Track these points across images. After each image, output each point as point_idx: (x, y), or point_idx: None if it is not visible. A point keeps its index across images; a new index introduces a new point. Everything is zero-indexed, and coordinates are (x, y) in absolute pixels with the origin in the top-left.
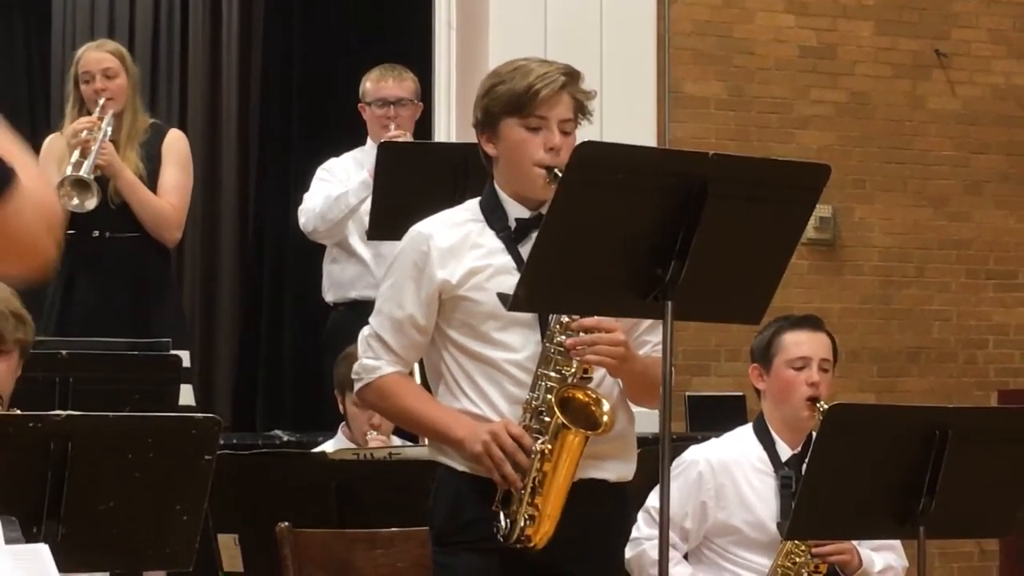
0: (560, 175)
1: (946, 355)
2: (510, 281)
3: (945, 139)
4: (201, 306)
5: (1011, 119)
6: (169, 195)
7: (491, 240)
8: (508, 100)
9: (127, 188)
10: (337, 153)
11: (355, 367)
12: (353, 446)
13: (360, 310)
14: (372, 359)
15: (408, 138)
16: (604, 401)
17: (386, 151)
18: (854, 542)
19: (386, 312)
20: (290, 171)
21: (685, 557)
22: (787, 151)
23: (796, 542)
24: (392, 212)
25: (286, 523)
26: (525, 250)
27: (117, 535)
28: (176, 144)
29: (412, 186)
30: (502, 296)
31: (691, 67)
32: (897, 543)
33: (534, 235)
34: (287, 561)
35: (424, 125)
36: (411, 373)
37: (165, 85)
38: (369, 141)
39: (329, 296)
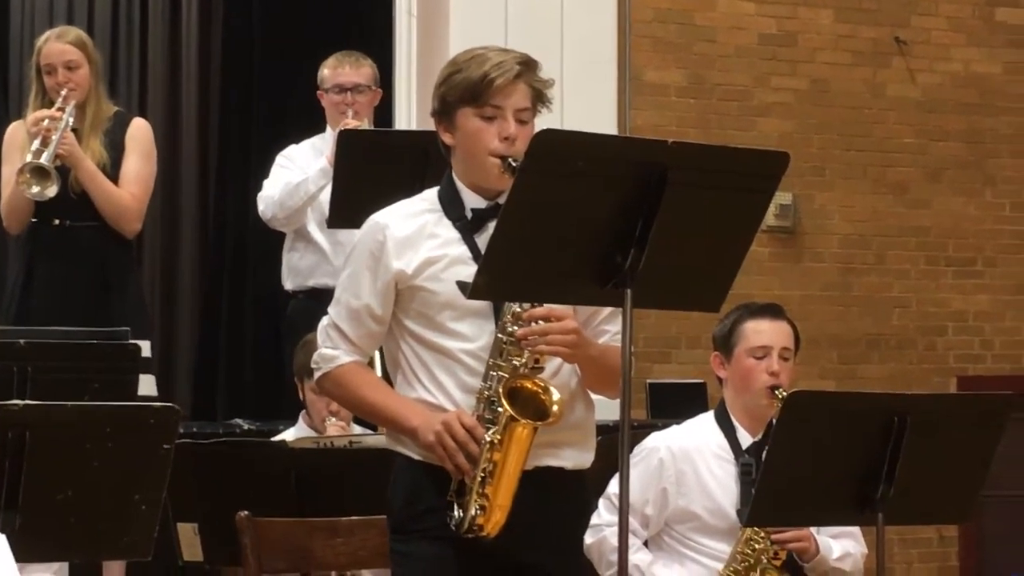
0: (515, 164)
1: (906, 342)
2: (466, 271)
3: (905, 126)
4: (161, 294)
5: (970, 107)
6: (130, 185)
7: (447, 230)
8: (464, 89)
9: (87, 178)
10: (298, 141)
11: (314, 356)
12: (313, 434)
13: (319, 298)
14: (330, 348)
15: (367, 125)
16: (554, 391)
17: (346, 139)
18: (812, 529)
19: (343, 302)
20: (250, 159)
21: (645, 544)
22: (747, 139)
23: (755, 529)
24: (352, 200)
25: (246, 512)
26: (481, 240)
27: (75, 525)
28: (139, 133)
29: (372, 174)
30: (461, 284)
31: (652, 54)
32: (856, 530)
33: (491, 226)
34: (247, 550)
35: (385, 112)
36: (371, 362)
37: (124, 72)
38: (328, 128)
39: (288, 284)
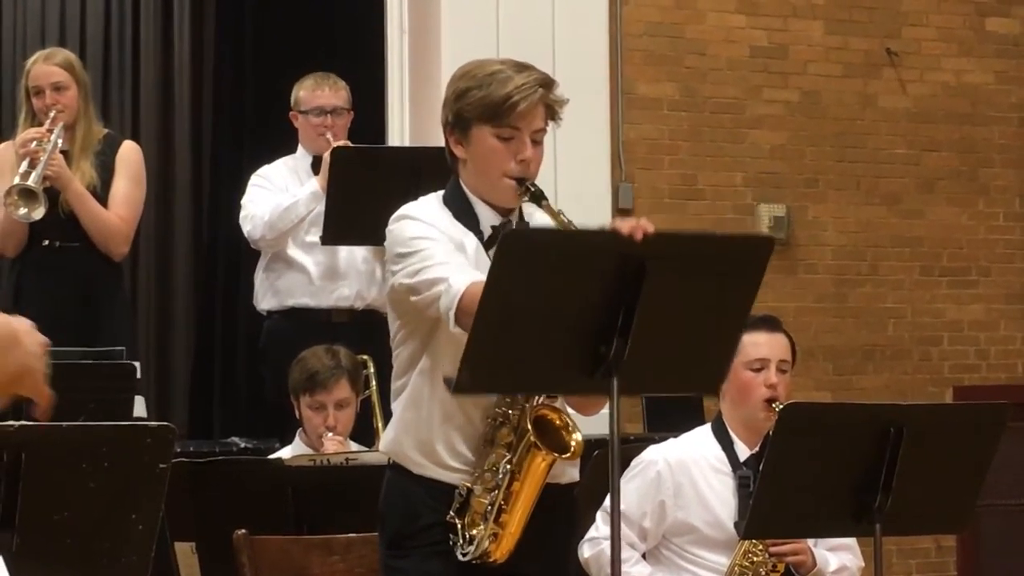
0: (532, 189)
1: (901, 352)
2: None
3: (897, 137)
4: (156, 315)
5: (962, 116)
6: (119, 208)
7: (470, 242)
8: (484, 107)
9: (75, 200)
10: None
11: (439, 307)
12: (310, 452)
13: (296, 318)
14: (440, 287)
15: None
16: (577, 433)
17: (340, 156)
18: (809, 542)
19: (424, 254)
20: (243, 179)
21: (644, 557)
22: (740, 150)
23: (753, 541)
24: (346, 217)
25: (243, 530)
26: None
27: (72, 545)
28: (129, 156)
29: (365, 191)
30: (447, 379)
31: (643, 68)
32: (853, 542)
33: None
34: (244, 568)
35: (378, 129)
36: (365, 364)
37: (117, 93)
38: (300, 148)
39: (264, 304)
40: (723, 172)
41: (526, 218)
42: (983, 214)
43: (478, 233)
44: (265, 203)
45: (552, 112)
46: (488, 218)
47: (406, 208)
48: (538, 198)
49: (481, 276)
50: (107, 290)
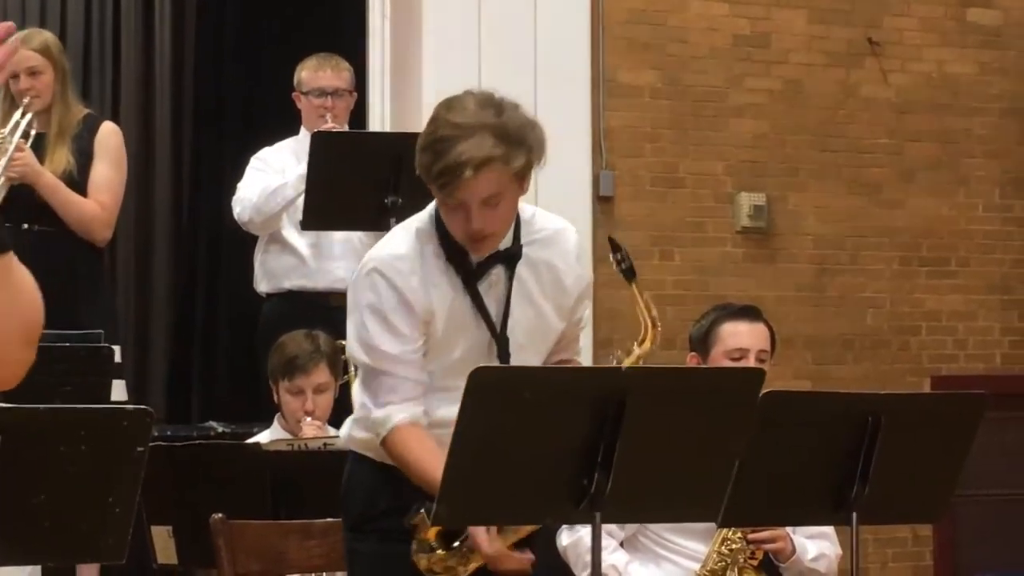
0: (619, 263)
1: (880, 342)
2: (467, 329)
3: (878, 127)
4: (136, 298)
5: (943, 107)
6: (99, 193)
7: (446, 298)
8: (427, 175)
9: (48, 192)
10: (271, 143)
11: (369, 424)
12: (288, 436)
13: (294, 300)
14: (378, 409)
15: (344, 128)
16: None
17: (320, 142)
18: (788, 529)
19: (375, 351)
20: (224, 161)
21: (621, 545)
22: (721, 139)
23: (732, 529)
24: (326, 202)
25: (220, 514)
26: (483, 287)
27: (49, 528)
28: (109, 139)
29: (346, 176)
30: (427, 508)
31: (625, 56)
32: (831, 531)
33: (493, 272)
34: (221, 552)
35: (358, 115)
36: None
37: (98, 77)
38: (303, 130)
39: (262, 286)
40: (704, 160)
41: (524, 243)
42: (963, 204)
43: (465, 266)
44: (256, 186)
45: (521, 171)
46: (473, 256)
47: (378, 260)
48: (628, 275)
49: (420, 409)
50: (87, 274)
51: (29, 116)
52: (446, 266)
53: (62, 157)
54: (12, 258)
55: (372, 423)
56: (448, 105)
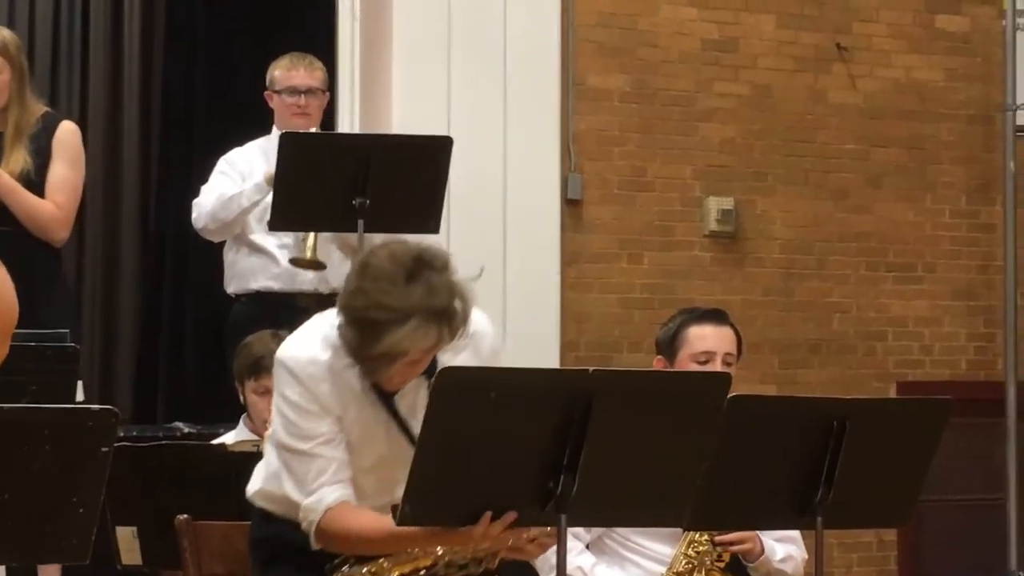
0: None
1: (846, 347)
2: (380, 440)
3: (846, 132)
4: (102, 298)
5: (911, 113)
6: (56, 194)
7: (365, 391)
8: (355, 353)
9: (4, 193)
10: (241, 143)
11: (299, 516)
12: (254, 437)
13: (262, 301)
14: (309, 497)
15: (316, 128)
16: None
17: (288, 142)
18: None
19: (294, 447)
20: (192, 161)
21: (587, 547)
22: (690, 143)
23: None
24: (294, 203)
25: (185, 515)
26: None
27: (12, 528)
28: (66, 139)
29: (314, 177)
30: (393, 508)
31: (594, 59)
32: (797, 535)
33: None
34: (186, 553)
35: (328, 116)
36: None
37: (66, 76)
38: (275, 129)
39: (230, 287)
40: (672, 164)
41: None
42: (930, 210)
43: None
44: (214, 192)
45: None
46: None
47: (292, 360)
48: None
49: (350, 491)
50: (44, 274)
51: None
52: (361, 381)
53: (19, 157)
54: None
55: (303, 512)
56: (371, 275)
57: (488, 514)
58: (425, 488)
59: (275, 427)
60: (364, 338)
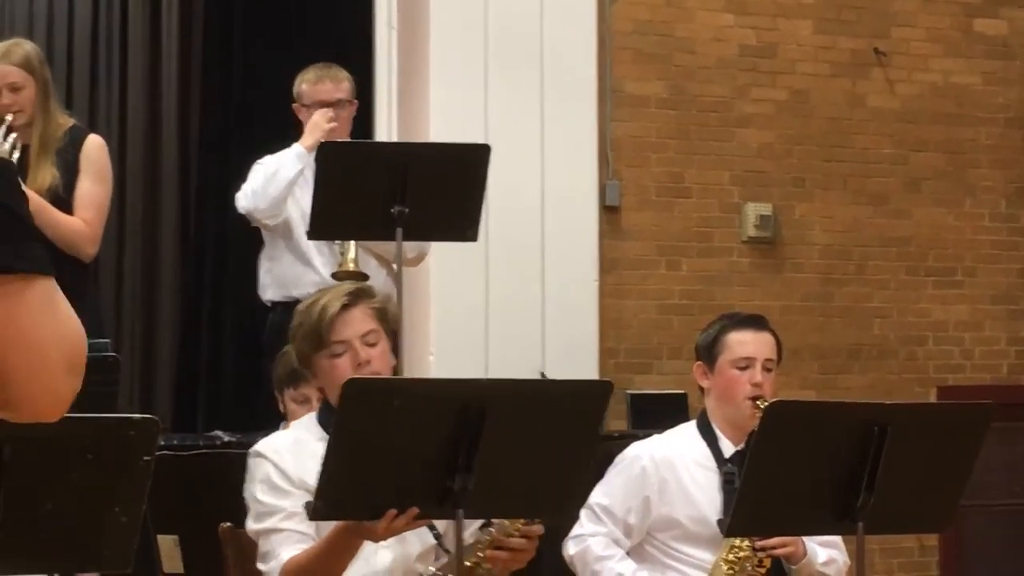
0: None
1: (886, 352)
2: None
3: (884, 137)
4: (142, 309)
5: (949, 117)
6: (84, 210)
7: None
8: (308, 344)
9: (33, 213)
10: (275, 151)
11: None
12: None
13: None
14: (267, 563)
15: (346, 139)
16: None
17: (325, 151)
18: None
19: (264, 521)
20: (230, 170)
21: (628, 554)
22: (727, 149)
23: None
24: (333, 212)
25: (229, 523)
26: None
27: (55, 538)
28: (94, 154)
29: (352, 186)
30: (307, 504)
31: (632, 66)
32: (839, 540)
33: None
34: (229, 561)
35: (365, 125)
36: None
37: (105, 89)
38: None
39: (268, 294)
40: (710, 170)
41: None
42: (969, 215)
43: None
44: (258, 176)
45: (383, 314)
46: None
47: (259, 446)
48: None
49: (308, 544)
50: (75, 287)
51: (13, 136)
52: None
53: (47, 172)
54: (54, 283)
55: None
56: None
57: (393, 511)
58: (335, 486)
59: (248, 518)
60: (301, 324)
